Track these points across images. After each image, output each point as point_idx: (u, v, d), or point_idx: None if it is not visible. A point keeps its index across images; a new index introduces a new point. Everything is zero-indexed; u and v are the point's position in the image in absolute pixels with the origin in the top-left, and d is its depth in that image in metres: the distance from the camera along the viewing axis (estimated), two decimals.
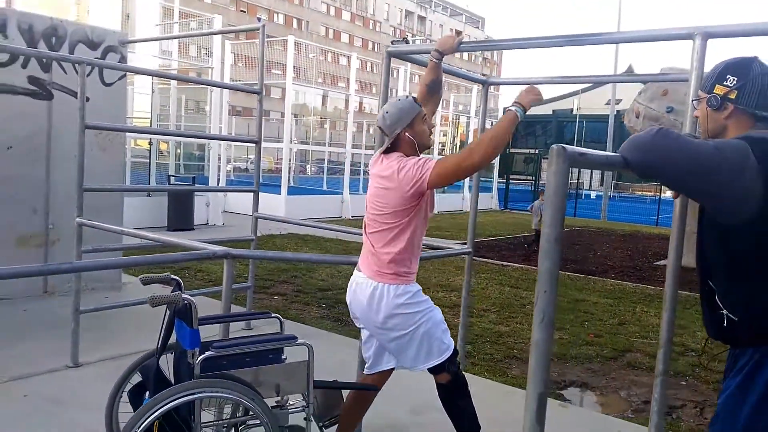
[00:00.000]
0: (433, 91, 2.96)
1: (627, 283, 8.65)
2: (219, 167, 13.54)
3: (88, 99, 4.13)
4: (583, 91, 43.92)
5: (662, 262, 10.88)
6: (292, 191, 17.61)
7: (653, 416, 2.38)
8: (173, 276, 2.55)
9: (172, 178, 13.08)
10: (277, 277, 7.54)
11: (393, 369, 2.95)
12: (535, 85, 2.59)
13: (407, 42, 3.46)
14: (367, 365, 2.93)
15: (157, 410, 2.18)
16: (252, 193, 5.29)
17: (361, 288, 2.68)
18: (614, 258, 11.35)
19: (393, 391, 4.03)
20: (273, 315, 2.84)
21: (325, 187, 23.62)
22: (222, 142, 13.63)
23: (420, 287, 2.75)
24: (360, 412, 2.97)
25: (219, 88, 12.97)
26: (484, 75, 4.25)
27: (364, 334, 2.89)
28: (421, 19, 76.94)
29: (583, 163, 1.41)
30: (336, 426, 2.88)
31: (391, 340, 2.74)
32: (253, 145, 5.27)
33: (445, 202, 20.40)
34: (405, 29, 72.72)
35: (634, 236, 15.42)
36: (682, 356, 5.23)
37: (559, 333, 5.81)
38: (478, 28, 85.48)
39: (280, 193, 14.60)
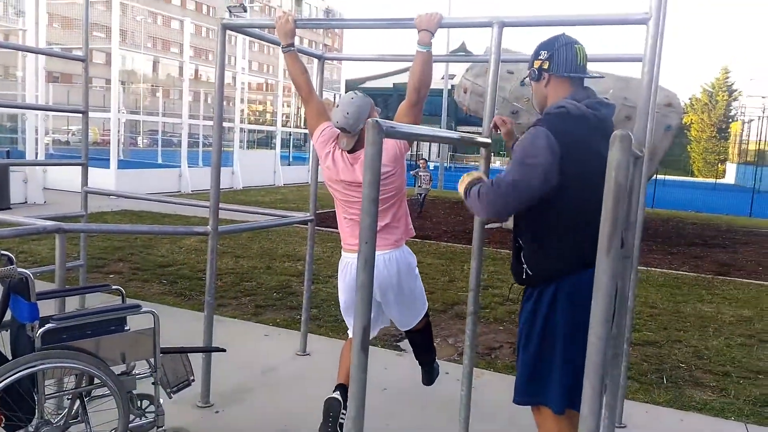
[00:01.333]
0: (308, 75, 3.07)
1: (458, 245, 9.47)
2: (37, 140, 12.33)
3: None
4: None
5: (490, 225, 11.98)
6: (122, 165, 16.52)
7: (466, 350, 2.80)
8: (3, 251, 2.47)
9: None
10: (111, 256, 7.20)
11: None
12: (429, 14, 2.68)
13: (245, 9, 3.45)
14: None
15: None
16: (80, 167, 5.02)
17: (378, 260, 2.76)
18: (448, 223, 12.28)
19: (243, 356, 4.20)
20: (114, 287, 2.85)
21: (160, 161, 22.42)
22: (39, 112, 12.40)
23: None
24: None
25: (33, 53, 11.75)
26: (325, 45, 4.41)
27: (349, 304, 3.05)
28: None
29: (395, 135, 1.68)
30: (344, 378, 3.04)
31: (403, 302, 3.02)
32: (75, 115, 4.98)
33: (290, 174, 20.36)
34: None
35: None
36: (501, 305, 5.95)
37: None
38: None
39: (109, 167, 13.68)
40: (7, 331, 2.45)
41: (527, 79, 2.36)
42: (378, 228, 2.81)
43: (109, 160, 13.90)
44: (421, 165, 13.90)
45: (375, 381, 3.69)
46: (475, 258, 2.67)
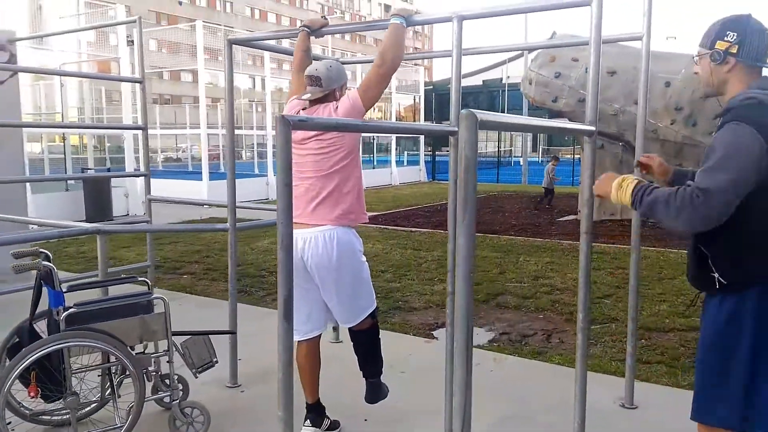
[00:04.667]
0: (308, 57, 3.28)
1: (518, 237, 9.41)
2: (137, 158, 13.55)
3: None
4: (510, 60, 44.59)
5: (564, 218, 11.75)
6: (217, 177, 17.68)
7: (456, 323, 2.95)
8: (41, 249, 2.93)
9: (87, 171, 13.07)
10: (189, 258, 7.89)
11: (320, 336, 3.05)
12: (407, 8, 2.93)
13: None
14: (304, 331, 2.93)
15: (28, 359, 2.58)
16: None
17: (318, 239, 2.76)
18: (520, 217, 12.15)
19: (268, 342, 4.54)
20: (140, 279, 3.25)
21: (256, 171, 23.71)
22: (138, 132, 13.60)
23: None
24: (310, 372, 3.02)
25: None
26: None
27: (300, 295, 2.81)
28: None
29: (303, 127, 1.90)
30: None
31: (343, 290, 2.84)
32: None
33: (371, 178, 20.83)
34: (333, 6, 72.16)
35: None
36: (547, 294, 5.94)
37: (444, 285, 6.43)
38: (407, 0, 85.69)
39: (201, 179, 14.76)
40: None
41: (696, 59, 2.12)
42: (320, 198, 2.77)
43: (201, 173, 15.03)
44: (552, 163, 14.49)
45: (396, 366, 3.89)
46: (462, 235, 2.83)
